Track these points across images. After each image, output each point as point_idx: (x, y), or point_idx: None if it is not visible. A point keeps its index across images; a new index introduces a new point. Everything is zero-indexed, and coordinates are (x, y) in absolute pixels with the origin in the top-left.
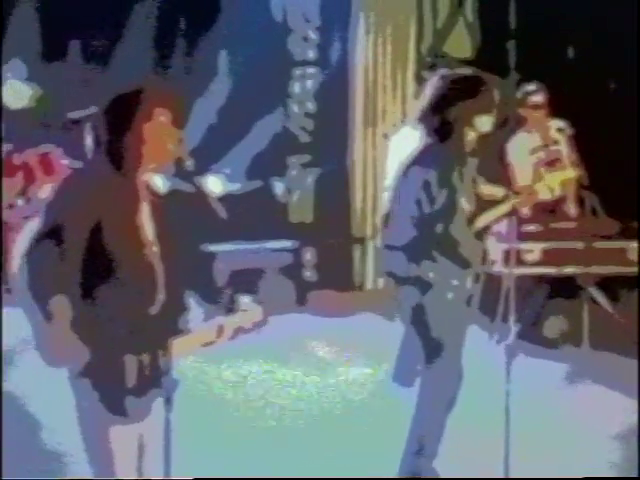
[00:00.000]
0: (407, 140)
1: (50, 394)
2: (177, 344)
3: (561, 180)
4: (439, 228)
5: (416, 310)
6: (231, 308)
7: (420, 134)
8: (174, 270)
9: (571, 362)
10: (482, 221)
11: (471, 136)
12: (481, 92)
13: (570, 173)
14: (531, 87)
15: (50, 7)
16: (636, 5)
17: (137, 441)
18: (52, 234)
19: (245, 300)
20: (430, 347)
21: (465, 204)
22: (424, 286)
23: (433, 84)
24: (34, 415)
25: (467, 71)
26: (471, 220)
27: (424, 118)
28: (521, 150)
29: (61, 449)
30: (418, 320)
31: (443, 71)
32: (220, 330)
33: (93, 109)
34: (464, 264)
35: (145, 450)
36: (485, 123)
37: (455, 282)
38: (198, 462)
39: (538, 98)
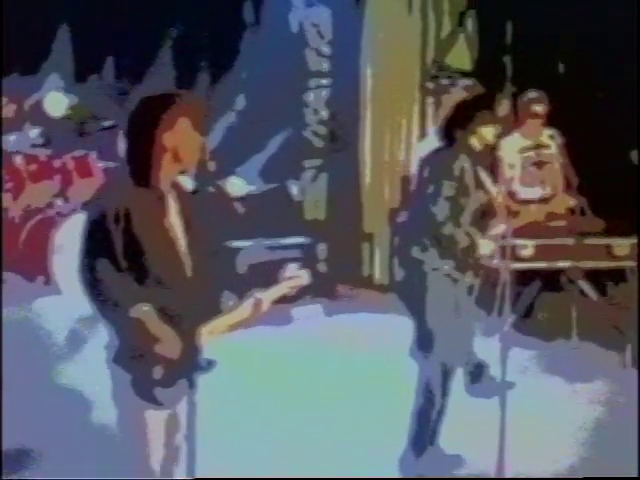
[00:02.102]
0: (430, 145)
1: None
2: (207, 328)
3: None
4: (426, 213)
5: (405, 287)
6: (271, 282)
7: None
8: (201, 264)
9: (561, 352)
10: (495, 230)
11: (476, 143)
12: (489, 107)
13: (572, 202)
14: (536, 95)
15: (84, 31)
16: (629, 21)
17: (167, 416)
18: (96, 228)
19: (292, 266)
20: (418, 325)
21: (448, 192)
22: (412, 265)
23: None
24: (88, 402)
25: (467, 82)
26: (457, 208)
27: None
28: (513, 147)
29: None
30: (406, 297)
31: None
32: (258, 304)
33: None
34: (444, 250)
35: (175, 426)
36: (487, 133)
37: (437, 264)
38: (221, 445)
39: (540, 107)
